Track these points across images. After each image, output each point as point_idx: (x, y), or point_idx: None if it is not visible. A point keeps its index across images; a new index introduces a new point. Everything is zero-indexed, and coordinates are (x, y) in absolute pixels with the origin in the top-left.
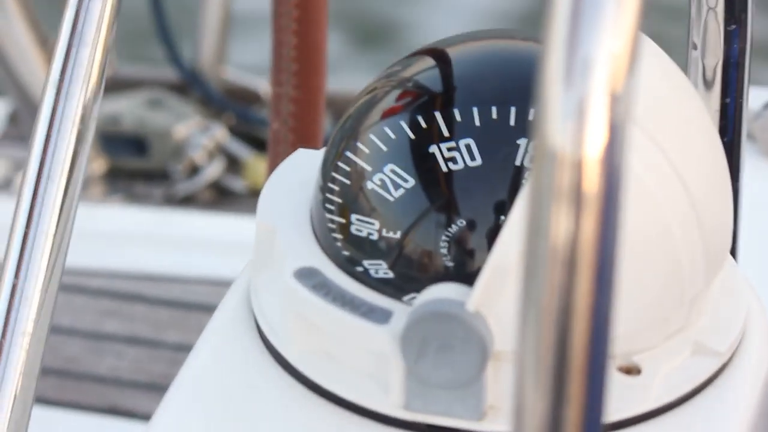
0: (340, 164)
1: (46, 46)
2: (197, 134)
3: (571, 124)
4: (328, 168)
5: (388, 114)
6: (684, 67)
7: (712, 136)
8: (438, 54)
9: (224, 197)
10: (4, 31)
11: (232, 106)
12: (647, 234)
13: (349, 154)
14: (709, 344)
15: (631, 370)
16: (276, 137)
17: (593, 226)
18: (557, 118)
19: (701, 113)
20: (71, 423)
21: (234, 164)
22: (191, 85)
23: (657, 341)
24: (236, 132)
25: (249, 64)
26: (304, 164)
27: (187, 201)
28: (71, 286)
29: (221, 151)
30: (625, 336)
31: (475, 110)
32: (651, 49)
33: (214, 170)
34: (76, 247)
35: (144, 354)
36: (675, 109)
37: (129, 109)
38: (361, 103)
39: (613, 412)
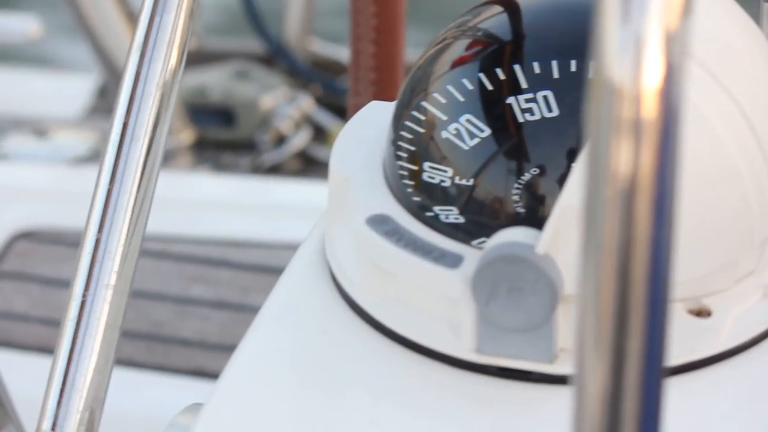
0: (414, 113)
1: (133, 19)
2: (283, 105)
3: (628, 58)
4: (400, 117)
5: (465, 65)
6: (757, 19)
7: None
8: (512, 4)
9: (310, 166)
10: (92, 6)
11: (318, 77)
12: (714, 175)
13: (424, 103)
14: None
15: (702, 313)
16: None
17: (651, 156)
18: (615, 52)
19: None
20: (158, 385)
21: (320, 134)
22: (278, 57)
23: (727, 284)
24: (322, 102)
25: (335, 34)
26: (377, 116)
27: (274, 170)
28: (158, 252)
29: (307, 121)
30: (695, 279)
31: (554, 63)
32: None
33: (300, 140)
34: (162, 215)
35: (229, 318)
36: (744, 54)
37: (216, 80)
38: (433, 53)
39: (683, 354)
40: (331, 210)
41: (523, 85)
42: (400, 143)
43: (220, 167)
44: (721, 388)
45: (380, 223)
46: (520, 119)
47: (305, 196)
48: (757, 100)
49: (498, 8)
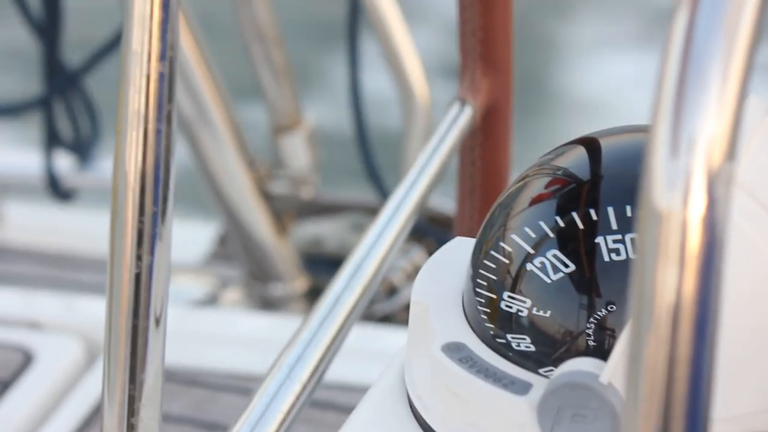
0: (501, 244)
1: (254, 167)
2: (397, 257)
3: (675, 190)
4: (484, 248)
5: (557, 203)
6: None
7: None
8: (595, 145)
9: None
10: (214, 154)
11: (431, 231)
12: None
13: (513, 236)
14: None
15: None
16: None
17: (694, 283)
18: (662, 184)
19: None
20: None
21: None
22: None
23: None
24: None
25: (450, 190)
26: (461, 250)
27: (385, 320)
28: None
29: None
30: (747, 415)
31: None
32: None
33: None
34: (265, 357)
35: None
36: None
37: (332, 231)
38: (518, 189)
39: None
40: (411, 337)
41: (614, 226)
42: (482, 272)
43: None
44: None
45: (455, 351)
46: (606, 258)
47: None
48: None
49: (583, 149)
